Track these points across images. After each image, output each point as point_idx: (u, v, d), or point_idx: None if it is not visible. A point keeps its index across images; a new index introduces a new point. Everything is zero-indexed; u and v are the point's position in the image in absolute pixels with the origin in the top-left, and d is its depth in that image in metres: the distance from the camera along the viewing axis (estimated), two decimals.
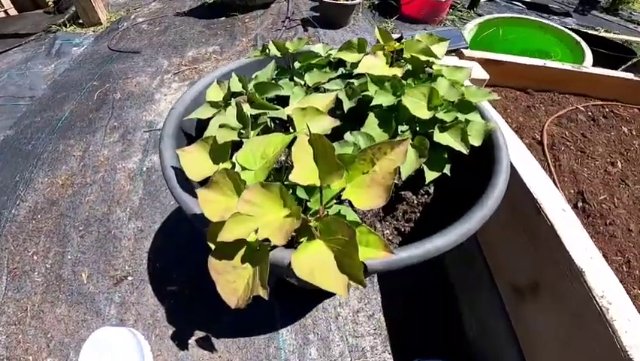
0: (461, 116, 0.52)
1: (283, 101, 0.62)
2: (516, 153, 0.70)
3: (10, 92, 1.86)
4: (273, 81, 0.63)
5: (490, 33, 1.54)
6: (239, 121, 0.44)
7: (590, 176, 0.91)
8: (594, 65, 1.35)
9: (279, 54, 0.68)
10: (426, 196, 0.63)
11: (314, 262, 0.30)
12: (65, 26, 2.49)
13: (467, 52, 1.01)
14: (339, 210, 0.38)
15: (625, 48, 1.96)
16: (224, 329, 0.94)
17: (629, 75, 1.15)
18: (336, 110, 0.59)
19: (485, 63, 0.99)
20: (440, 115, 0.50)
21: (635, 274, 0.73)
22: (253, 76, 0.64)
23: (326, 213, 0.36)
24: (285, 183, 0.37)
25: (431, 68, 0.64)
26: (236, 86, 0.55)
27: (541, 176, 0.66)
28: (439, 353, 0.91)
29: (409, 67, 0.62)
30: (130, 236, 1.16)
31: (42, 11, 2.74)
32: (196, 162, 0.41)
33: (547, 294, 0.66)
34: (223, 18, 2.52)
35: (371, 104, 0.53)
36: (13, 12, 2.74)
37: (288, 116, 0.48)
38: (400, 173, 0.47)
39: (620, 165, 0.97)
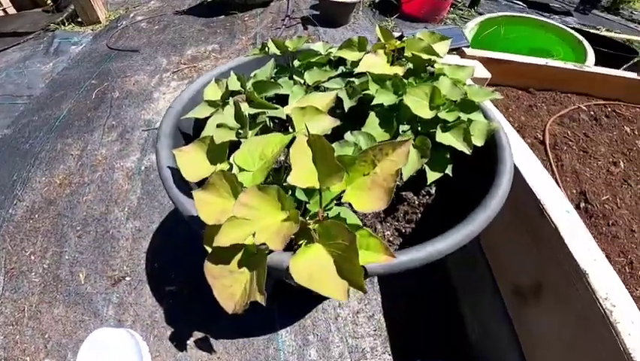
0: (464, 116, 0.51)
1: (282, 100, 0.61)
2: (519, 153, 0.69)
3: (9, 91, 1.85)
4: (272, 80, 0.62)
5: (491, 32, 1.53)
6: (237, 121, 0.43)
7: (592, 176, 0.90)
8: (595, 64, 1.34)
9: (278, 52, 0.67)
10: (427, 197, 0.62)
11: (313, 267, 0.29)
12: (64, 25, 2.47)
13: (469, 50, 0.99)
14: (339, 213, 0.37)
15: (626, 47, 1.95)
16: (223, 329, 0.93)
17: (632, 74, 1.14)
18: (336, 109, 0.58)
19: (487, 62, 0.98)
20: (442, 115, 0.49)
21: (638, 275, 0.72)
22: (252, 74, 0.63)
23: (325, 215, 0.35)
24: (284, 184, 0.36)
25: (433, 66, 0.63)
26: (234, 84, 0.54)
27: (545, 177, 0.65)
28: (440, 355, 0.90)
29: (411, 65, 0.61)
30: (128, 236, 1.15)
31: (41, 10, 2.73)
32: (193, 162, 0.40)
33: (550, 296, 0.65)
34: (222, 16, 2.51)
35: (372, 104, 0.52)
36: (11, 11, 2.72)
37: (288, 116, 0.47)
38: (401, 174, 0.46)
39: (622, 165, 0.96)
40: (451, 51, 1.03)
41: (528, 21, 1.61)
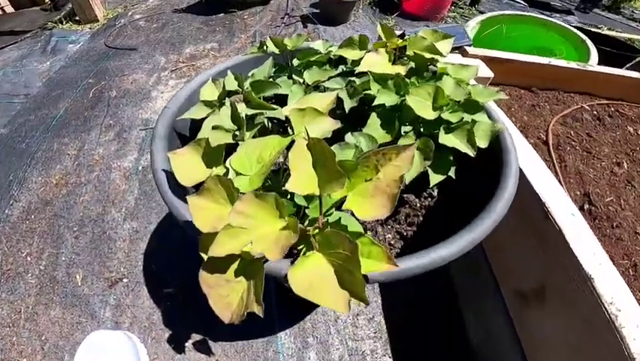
0: (467, 117, 0.50)
1: (281, 99, 0.60)
2: (523, 155, 0.67)
3: (5, 90, 1.83)
4: (271, 79, 0.60)
5: (493, 31, 1.51)
6: (233, 122, 0.41)
7: (596, 177, 0.89)
8: (598, 63, 1.33)
9: (277, 51, 0.65)
10: (429, 199, 0.60)
11: (313, 277, 0.27)
12: (62, 23, 2.45)
13: (471, 49, 0.98)
14: (340, 218, 0.35)
15: (628, 46, 1.93)
16: (222, 332, 0.92)
17: (635, 74, 1.13)
18: (336, 109, 0.57)
19: (489, 61, 0.97)
20: (446, 115, 0.48)
21: None
22: (250, 74, 0.62)
23: (326, 220, 0.33)
24: (283, 188, 0.35)
25: (435, 65, 0.62)
26: (231, 84, 0.52)
27: (549, 179, 0.64)
28: (441, 358, 0.89)
29: (413, 65, 0.59)
30: (125, 237, 1.14)
31: (39, 8, 2.70)
32: (188, 165, 0.39)
33: (554, 300, 0.64)
34: (221, 14, 2.49)
35: (373, 104, 0.50)
36: (9, 9, 2.70)
37: (287, 116, 0.46)
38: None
39: (626, 166, 0.95)
40: (453, 50, 1.02)
41: (530, 19, 1.60)
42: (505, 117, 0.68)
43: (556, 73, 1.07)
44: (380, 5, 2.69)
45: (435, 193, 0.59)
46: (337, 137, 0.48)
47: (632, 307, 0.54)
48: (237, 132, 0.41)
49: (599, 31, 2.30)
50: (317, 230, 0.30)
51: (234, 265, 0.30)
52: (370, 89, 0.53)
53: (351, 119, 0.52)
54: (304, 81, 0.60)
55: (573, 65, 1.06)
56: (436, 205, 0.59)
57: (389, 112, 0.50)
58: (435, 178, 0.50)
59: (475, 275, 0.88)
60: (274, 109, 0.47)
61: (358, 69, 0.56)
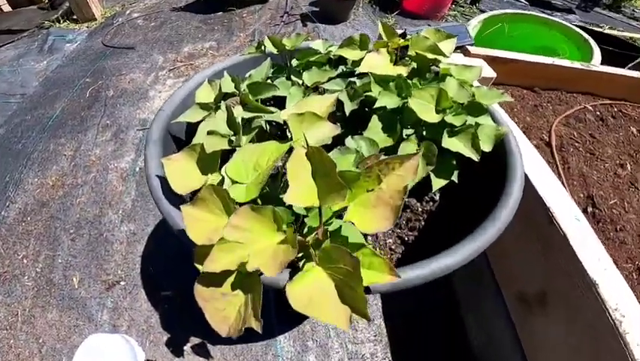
0: (471, 120, 0.48)
1: (280, 101, 0.58)
2: (527, 157, 0.66)
3: (2, 90, 1.81)
4: (269, 80, 0.59)
5: (495, 30, 1.49)
6: (229, 127, 0.40)
7: (599, 179, 0.88)
8: (601, 63, 1.31)
9: (275, 51, 0.63)
10: (431, 203, 0.59)
11: (312, 292, 0.26)
12: (59, 22, 2.43)
13: (473, 49, 0.96)
14: (340, 226, 0.34)
15: (630, 45, 1.92)
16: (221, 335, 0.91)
17: (638, 74, 1.12)
18: (336, 112, 0.55)
19: (491, 61, 0.95)
20: (449, 118, 0.46)
21: None
22: (247, 75, 0.60)
23: (325, 229, 0.32)
24: (281, 195, 0.34)
25: (437, 66, 0.60)
26: (228, 86, 0.50)
27: (554, 182, 0.63)
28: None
29: (414, 65, 0.58)
30: (122, 239, 1.12)
31: (36, 7, 2.68)
32: (182, 172, 0.37)
33: (557, 306, 0.63)
34: (220, 13, 2.47)
35: (374, 107, 0.49)
36: (7, 8, 2.67)
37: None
38: None
39: (629, 168, 0.94)
40: (454, 49, 1.00)
41: (532, 18, 1.58)
42: (508, 119, 0.67)
43: (560, 73, 1.05)
44: (380, 3, 2.66)
45: (437, 197, 0.58)
46: (337, 140, 0.47)
47: (637, 312, 0.54)
48: (233, 138, 0.39)
49: (601, 30, 2.28)
50: (316, 240, 0.29)
51: (231, 279, 0.29)
52: (371, 91, 0.52)
53: (351, 122, 0.51)
54: (303, 82, 0.58)
55: (577, 64, 1.05)
56: (438, 210, 0.58)
57: (391, 115, 0.49)
58: (437, 183, 0.48)
59: (476, 282, 0.87)
60: (272, 112, 0.45)
61: (359, 70, 0.55)
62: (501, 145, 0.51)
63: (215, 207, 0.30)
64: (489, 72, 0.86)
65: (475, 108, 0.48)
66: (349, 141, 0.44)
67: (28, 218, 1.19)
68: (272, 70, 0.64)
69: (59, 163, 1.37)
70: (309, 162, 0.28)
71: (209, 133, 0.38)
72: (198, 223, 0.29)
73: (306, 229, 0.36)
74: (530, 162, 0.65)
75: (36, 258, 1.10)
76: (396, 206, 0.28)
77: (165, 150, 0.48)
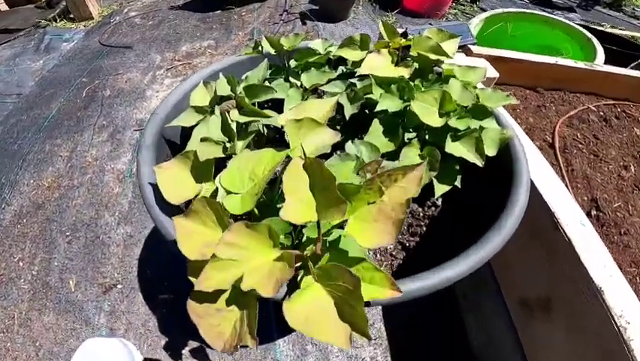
0: (475, 123, 0.47)
1: (278, 103, 0.57)
2: (530, 160, 0.64)
3: None
4: (267, 82, 0.57)
5: (497, 28, 1.47)
6: (223, 133, 0.38)
7: (603, 182, 0.86)
8: (604, 62, 1.29)
9: (272, 51, 0.61)
10: (433, 209, 0.58)
11: (310, 310, 0.24)
12: (55, 21, 2.41)
13: (475, 48, 0.95)
14: (340, 237, 0.32)
15: (632, 44, 1.90)
16: None
17: None
18: (336, 114, 0.53)
19: (494, 60, 0.93)
20: (453, 122, 0.45)
21: None
22: (244, 77, 0.58)
23: (324, 241, 0.31)
24: (278, 206, 0.32)
25: (440, 67, 0.59)
26: (223, 88, 0.49)
27: (559, 186, 0.61)
28: None
29: (416, 66, 0.56)
30: (119, 242, 1.11)
31: (33, 6, 2.65)
32: (175, 181, 0.36)
33: (561, 312, 0.62)
34: (219, 11, 2.44)
35: (375, 110, 0.47)
36: (4, 7, 2.65)
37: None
38: None
39: (633, 170, 0.93)
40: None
41: (534, 17, 1.56)
42: (513, 122, 0.65)
43: (563, 73, 1.04)
44: (380, 2, 2.64)
45: (439, 202, 0.57)
46: (337, 144, 0.45)
47: None
48: (228, 144, 0.38)
49: (602, 29, 2.26)
50: (314, 253, 0.28)
51: (225, 295, 0.27)
52: (372, 94, 0.50)
53: (351, 126, 0.49)
54: (302, 84, 0.57)
55: (581, 64, 1.03)
56: (440, 215, 0.56)
57: (392, 118, 0.47)
58: (440, 189, 0.47)
59: (477, 279, 0.86)
60: (269, 116, 0.44)
61: (360, 71, 0.53)
62: (506, 149, 0.49)
63: (208, 219, 0.28)
64: (492, 72, 0.84)
65: (480, 111, 0.47)
66: (349, 146, 0.42)
67: (24, 220, 1.18)
68: (269, 71, 0.62)
69: (55, 164, 1.35)
70: (307, 173, 0.27)
71: (203, 140, 0.37)
72: (191, 237, 0.28)
73: (304, 238, 0.34)
74: (534, 165, 0.64)
75: (32, 261, 1.09)
76: (399, 220, 0.26)
77: (159, 156, 0.46)
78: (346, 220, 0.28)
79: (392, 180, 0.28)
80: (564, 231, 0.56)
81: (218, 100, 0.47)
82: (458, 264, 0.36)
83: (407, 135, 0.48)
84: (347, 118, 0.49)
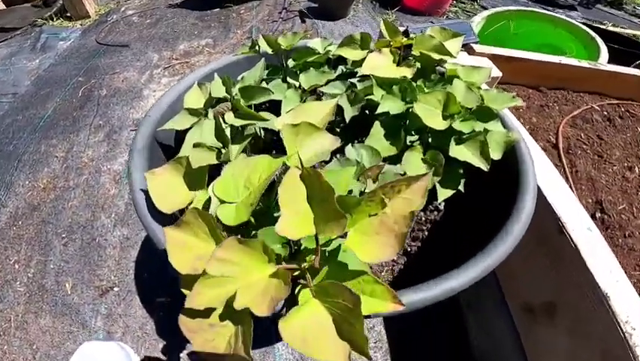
0: (480, 126, 0.45)
1: (276, 104, 0.55)
2: (535, 162, 0.63)
3: None
4: (263, 83, 0.55)
5: (499, 27, 1.45)
6: (217, 139, 0.36)
7: (608, 183, 0.85)
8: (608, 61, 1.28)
9: (270, 51, 0.60)
10: (436, 213, 0.56)
11: (308, 327, 0.23)
12: (52, 20, 2.38)
13: (478, 47, 0.93)
14: (339, 247, 0.31)
15: (633, 43, 1.88)
16: None
17: None
18: (335, 116, 0.52)
19: (497, 59, 0.92)
20: (457, 125, 0.43)
21: None
22: (239, 77, 0.56)
23: (323, 252, 0.29)
24: (276, 214, 0.31)
25: (443, 66, 0.57)
26: (218, 90, 0.47)
27: (564, 189, 0.60)
28: None
29: (418, 65, 0.54)
30: (115, 244, 1.09)
31: (30, 5, 2.62)
32: (167, 188, 0.34)
33: (565, 318, 0.61)
34: (217, 9, 2.41)
35: (377, 112, 0.45)
36: (0, 6, 2.62)
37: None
38: None
39: (637, 171, 0.91)
40: None
41: (536, 16, 1.54)
42: (519, 124, 0.63)
43: (568, 72, 1.02)
44: None
45: (442, 207, 0.55)
46: (336, 148, 0.43)
47: None
48: (222, 150, 0.36)
49: (604, 27, 2.24)
50: (312, 266, 0.26)
51: (219, 310, 0.26)
52: (373, 95, 0.48)
53: (351, 128, 0.48)
54: (300, 85, 0.55)
55: (585, 63, 1.02)
56: (442, 219, 0.55)
57: (394, 121, 0.45)
58: (443, 193, 0.45)
59: (479, 289, 0.85)
60: (265, 119, 0.42)
61: (360, 72, 0.51)
62: (511, 152, 0.48)
63: (200, 231, 0.27)
64: (495, 71, 0.82)
65: (485, 113, 0.45)
66: (349, 150, 0.41)
67: (20, 222, 1.16)
68: (267, 71, 0.61)
69: (51, 165, 1.33)
70: (304, 184, 0.25)
71: (196, 146, 0.35)
72: (182, 249, 0.26)
73: (302, 247, 0.33)
74: (539, 168, 0.62)
75: (28, 263, 1.08)
76: (402, 233, 0.25)
77: (152, 160, 0.44)
78: (345, 241, 0.26)
79: (395, 191, 0.26)
80: (570, 236, 0.55)
81: (213, 102, 0.45)
82: (462, 274, 0.35)
83: (409, 138, 0.46)
84: (347, 121, 0.47)
